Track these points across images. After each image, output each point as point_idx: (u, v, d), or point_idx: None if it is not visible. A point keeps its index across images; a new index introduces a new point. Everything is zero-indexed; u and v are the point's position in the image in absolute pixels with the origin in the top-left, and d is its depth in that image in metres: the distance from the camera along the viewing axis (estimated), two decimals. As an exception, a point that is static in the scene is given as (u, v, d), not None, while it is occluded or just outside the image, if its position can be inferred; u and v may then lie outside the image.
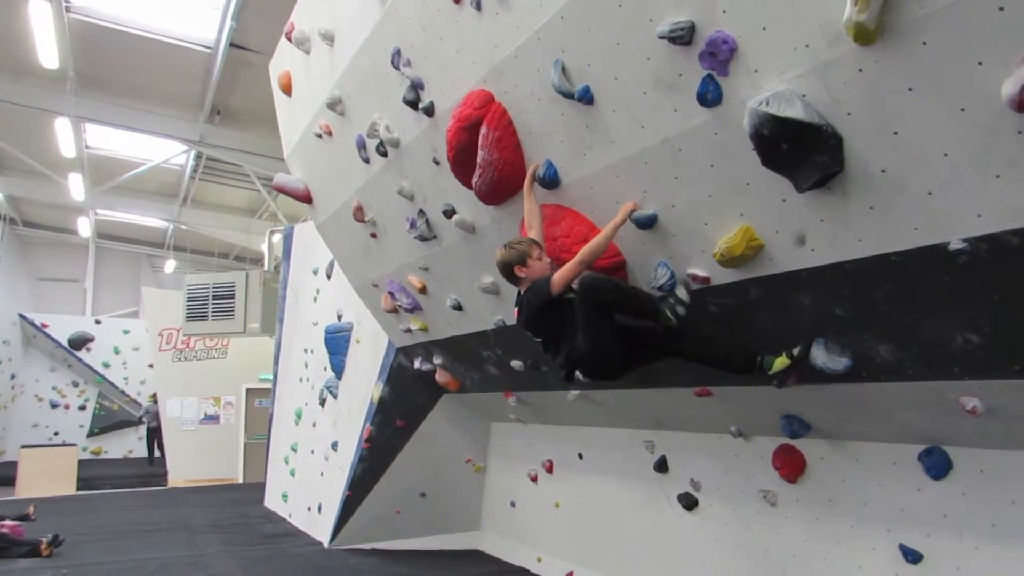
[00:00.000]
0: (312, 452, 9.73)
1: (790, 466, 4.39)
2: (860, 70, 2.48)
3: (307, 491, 9.56)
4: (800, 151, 2.73)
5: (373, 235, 6.30)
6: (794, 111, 2.65)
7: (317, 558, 7.81)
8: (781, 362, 3.45)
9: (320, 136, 6.22)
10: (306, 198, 7.06)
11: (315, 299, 10.67)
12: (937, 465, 3.62)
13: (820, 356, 3.39)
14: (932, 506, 3.68)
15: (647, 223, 3.65)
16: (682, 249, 3.62)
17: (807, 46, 2.57)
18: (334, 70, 5.60)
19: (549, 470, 6.92)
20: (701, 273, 3.61)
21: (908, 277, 2.83)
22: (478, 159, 4.19)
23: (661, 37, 2.95)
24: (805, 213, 2.97)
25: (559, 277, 3.66)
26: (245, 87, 11.94)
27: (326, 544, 8.27)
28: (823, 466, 4.25)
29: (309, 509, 9.26)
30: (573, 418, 6.32)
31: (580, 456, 6.46)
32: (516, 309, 3.99)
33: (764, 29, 2.67)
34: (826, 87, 2.60)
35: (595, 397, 5.54)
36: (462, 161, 4.35)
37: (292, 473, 10.52)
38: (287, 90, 6.71)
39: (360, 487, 8.00)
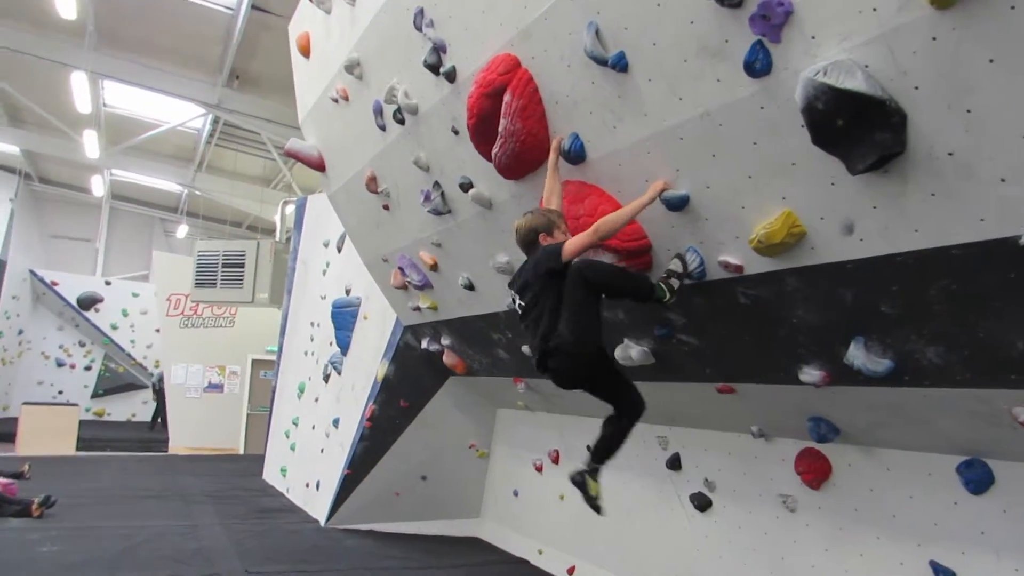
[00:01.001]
0: (313, 428, 9.55)
1: (814, 471, 4.14)
2: (934, 38, 2.21)
3: (306, 467, 9.39)
4: (858, 128, 2.46)
5: (385, 207, 6.06)
6: (855, 83, 2.39)
7: (312, 536, 7.63)
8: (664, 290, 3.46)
9: (336, 100, 5.97)
10: (319, 165, 6.83)
11: (324, 272, 10.47)
12: (977, 478, 3.36)
13: (859, 356, 3.13)
14: (969, 522, 3.42)
15: (678, 204, 3.39)
16: (715, 234, 3.37)
17: (874, 10, 2.30)
18: (354, 31, 5.34)
19: (555, 461, 6.70)
20: (734, 261, 3.35)
21: (969, 273, 2.57)
22: (500, 128, 3.94)
23: (708, -5, 2.68)
24: (856, 198, 2.71)
25: (571, 245, 3.40)
26: (265, 51, 11.69)
27: (322, 522, 8.09)
28: (850, 473, 4.00)
29: (307, 485, 9.09)
30: (582, 408, 6.07)
31: (588, 448, 6.20)
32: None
33: (827, -11, 2.40)
34: (893, 57, 2.33)
35: (608, 387, 5.29)
36: (483, 131, 4.09)
37: (292, 448, 10.36)
38: (305, 52, 6.46)
39: (360, 466, 7.80)
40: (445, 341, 6.80)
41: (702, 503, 5.00)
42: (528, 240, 3.67)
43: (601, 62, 3.29)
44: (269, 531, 7.71)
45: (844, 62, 2.41)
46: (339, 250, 10.00)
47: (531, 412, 7.03)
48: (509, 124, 3.88)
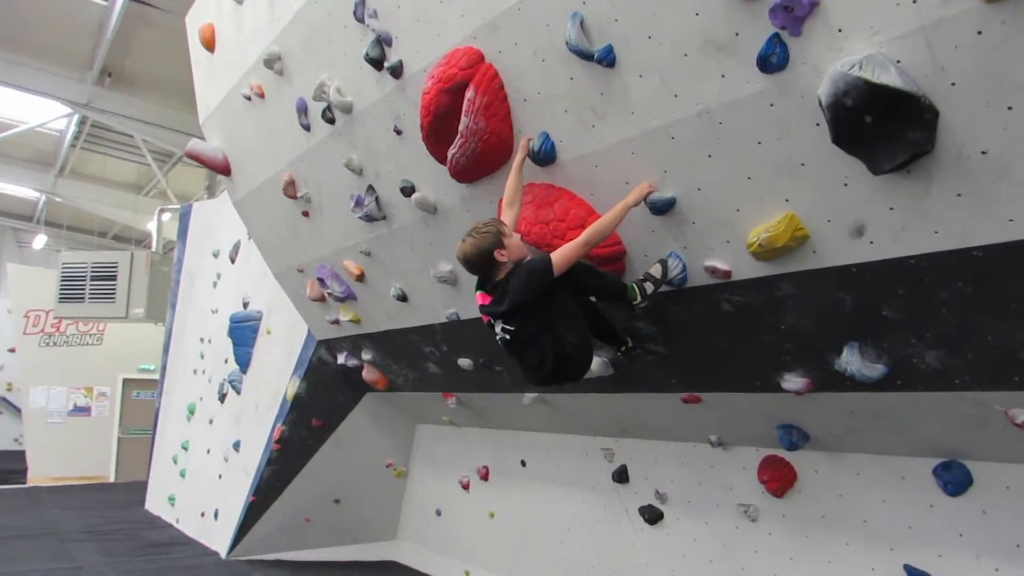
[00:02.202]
0: (208, 452, 8.85)
1: (779, 479, 4.08)
2: (979, 32, 2.13)
3: (201, 495, 8.69)
4: (888, 126, 2.37)
5: (305, 213, 5.63)
6: (889, 78, 2.29)
7: (214, 571, 7.04)
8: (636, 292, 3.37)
9: (250, 98, 5.51)
10: (224, 169, 6.31)
11: (215, 284, 9.80)
12: (956, 480, 3.37)
13: (854, 362, 3.07)
14: (946, 524, 3.43)
15: (663, 207, 3.23)
16: (703, 238, 3.23)
17: (914, 2, 2.21)
18: (275, 22, 4.93)
19: (484, 477, 6.43)
20: (722, 266, 3.22)
21: (986, 275, 2.53)
22: (460, 127, 3.67)
23: (724, -15, 2.53)
24: (871, 200, 2.62)
25: (561, 258, 3.20)
26: (143, 47, 10.77)
27: (223, 555, 7.48)
28: (817, 480, 3.96)
29: (203, 515, 8.40)
30: (519, 422, 5.86)
31: (523, 463, 6.00)
32: (480, 294, 3.44)
33: (860, -20, 2.30)
34: (931, 52, 2.24)
35: (554, 401, 5.10)
36: (438, 129, 3.81)
37: (182, 474, 9.58)
38: (209, 45, 5.94)
39: (267, 492, 7.26)
40: (366, 356, 6.41)
41: (652, 516, 4.87)
42: (483, 264, 3.33)
43: (586, 56, 3.08)
44: (165, 568, 7.06)
45: (877, 56, 2.31)
46: (232, 260, 9.37)
47: (457, 428, 6.74)
48: (471, 123, 3.61)
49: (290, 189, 5.56)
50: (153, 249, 13.24)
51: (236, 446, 8.02)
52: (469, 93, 3.58)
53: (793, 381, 3.41)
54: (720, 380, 3.84)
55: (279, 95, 5.20)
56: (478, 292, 3.46)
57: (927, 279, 2.67)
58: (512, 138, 3.68)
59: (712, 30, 2.69)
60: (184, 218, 10.91)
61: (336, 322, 6.27)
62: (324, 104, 4.74)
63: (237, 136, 5.98)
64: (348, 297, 5.87)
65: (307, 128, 5.05)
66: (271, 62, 5.03)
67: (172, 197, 15.61)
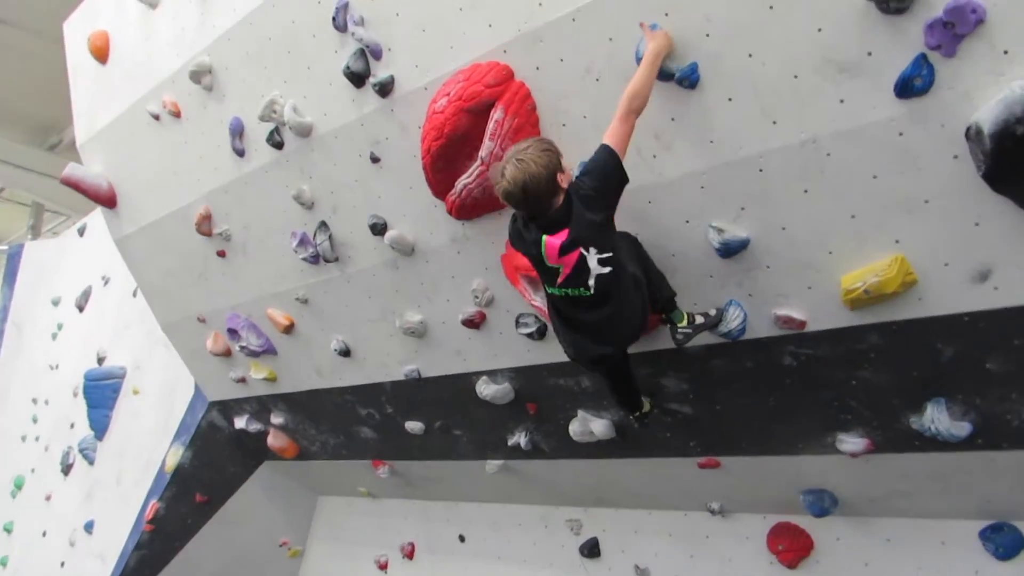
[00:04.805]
0: (44, 535, 7.43)
1: (794, 548, 3.79)
2: None
3: (33, 589, 7.24)
4: (1059, 162, 2.17)
5: (221, 253, 4.83)
6: (1072, 109, 2.10)
7: None
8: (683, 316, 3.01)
9: (158, 117, 4.69)
10: (107, 200, 5.35)
11: (55, 336, 8.44)
12: (1007, 543, 3.21)
13: (941, 420, 2.84)
14: (996, 591, 3.26)
15: (734, 249, 2.90)
16: (777, 285, 2.91)
17: (1103, 28, 2.04)
18: (207, 29, 4.22)
19: (409, 555, 5.72)
20: (797, 316, 2.92)
21: None
22: (482, 153, 3.18)
23: (872, -3, 2.26)
24: (1007, 242, 2.42)
25: (615, 138, 2.58)
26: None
27: (72, 663, 6.20)
28: (838, 548, 3.71)
29: (39, 614, 6.98)
30: (459, 493, 5.25)
31: (461, 538, 5.37)
32: (547, 239, 2.63)
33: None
34: (1116, 84, 2.08)
35: (522, 468, 4.56)
36: (448, 155, 3.29)
37: (3, 562, 8.00)
38: (100, 55, 5.05)
39: (132, 583, 6.10)
40: (276, 419, 5.57)
41: (631, 593, 4.44)
42: (546, 190, 2.56)
43: (663, 76, 2.72)
44: None
45: (1056, 85, 2.12)
46: (81, 309, 8.11)
47: (374, 500, 5.99)
48: (496, 148, 3.13)
49: (204, 225, 4.76)
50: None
51: (88, 527, 6.75)
52: (496, 114, 3.11)
53: (852, 442, 3.15)
54: (751, 442, 3.51)
55: (202, 114, 4.45)
56: (545, 236, 2.63)
57: (1057, 330, 2.49)
58: (537, 169, 3.23)
59: (837, 48, 2.41)
60: (12, 260, 9.41)
61: (242, 380, 5.42)
62: (272, 126, 4.07)
63: (132, 162, 5.07)
64: (266, 351, 5.08)
65: (240, 153, 4.33)
66: (198, 75, 4.29)
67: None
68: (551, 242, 2.63)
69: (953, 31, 2.21)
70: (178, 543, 6.21)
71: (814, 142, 2.58)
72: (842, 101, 2.48)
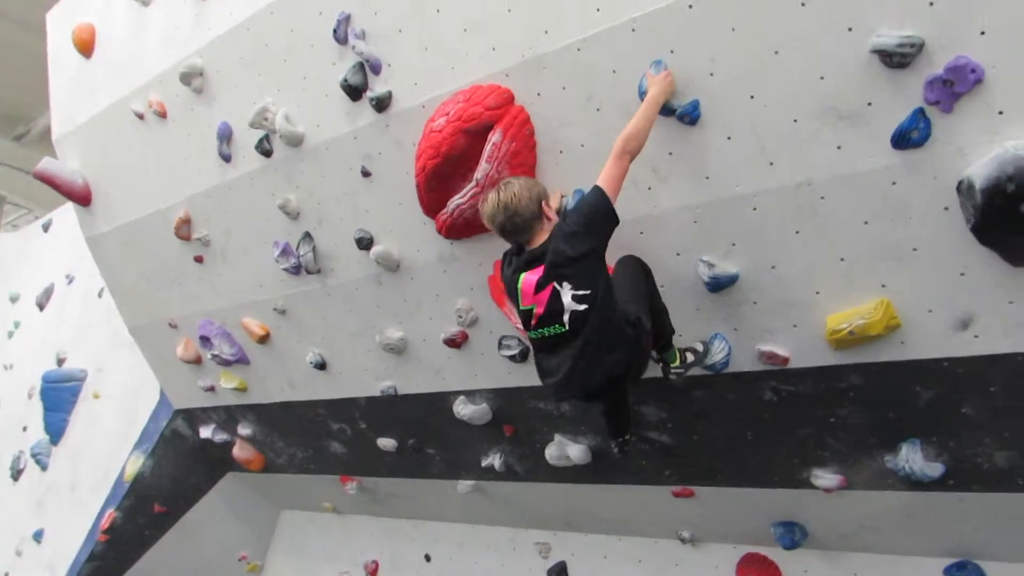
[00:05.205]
0: (-11, 542, 7.18)
1: (763, 581, 3.83)
2: None
3: (-28, 599, 6.99)
4: (1048, 217, 2.25)
5: (199, 259, 4.76)
6: (1061, 167, 2.18)
7: None
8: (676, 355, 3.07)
9: (142, 116, 4.63)
10: (82, 197, 5.24)
11: (10, 335, 8.23)
12: (972, 583, 3.28)
13: (915, 460, 2.91)
14: (960, 631, 3.32)
15: (723, 283, 2.94)
16: (762, 321, 2.96)
17: (1096, 90, 2.13)
18: (202, 30, 4.19)
19: (372, 573, 5.64)
20: (781, 352, 2.97)
21: (1106, 378, 2.46)
22: (477, 175, 3.19)
23: (876, 50, 2.33)
24: (990, 292, 2.49)
25: (608, 180, 2.57)
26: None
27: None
28: (806, 582, 3.75)
29: (-22, 624, 6.74)
30: (427, 511, 5.21)
31: (427, 557, 5.32)
32: (525, 276, 2.64)
33: (1039, 61, 2.19)
34: (1105, 144, 2.16)
35: (492, 490, 4.54)
36: (443, 174, 3.30)
37: (-58, 570, 7.71)
38: (85, 48, 4.97)
39: (82, 595, 5.93)
40: (244, 431, 5.48)
41: (597, 619, 4.43)
42: (529, 217, 2.63)
43: (665, 111, 2.77)
44: None
45: (1048, 143, 2.20)
46: (41, 308, 7.91)
47: (339, 515, 5.91)
48: (492, 171, 3.15)
49: (183, 229, 4.69)
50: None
51: (37, 536, 6.55)
52: (495, 137, 3.12)
53: (826, 478, 3.20)
54: (726, 473, 3.55)
55: (189, 116, 4.40)
56: (522, 274, 2.64)
57: (1032, 377, 2.56)
58: (531, 193, 3.25)
59: (838, 96, 2.48)
60: (-32, 253, 9.15)
61: (211, 389, 5.33)
62: (262, 133, 4.04)
63: (111, 160, 4.99)
64: (238, 361, 5.00)
65: (227, 159, 4.29)
66: (189, 77, 4.25)
67: (-64, 228, 13.22)
68: (528, 279, 2.63)
69: (952, 89, 2.29)
70: (134, 554, 6.05)
71: (809, 185, 2.64)
72: (839, 147, 2.54)
